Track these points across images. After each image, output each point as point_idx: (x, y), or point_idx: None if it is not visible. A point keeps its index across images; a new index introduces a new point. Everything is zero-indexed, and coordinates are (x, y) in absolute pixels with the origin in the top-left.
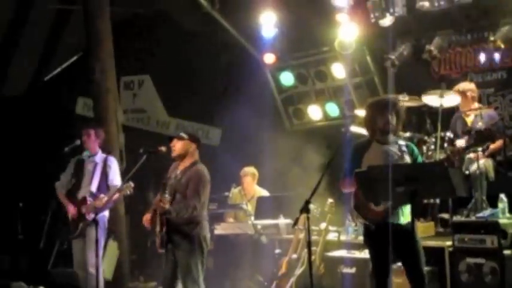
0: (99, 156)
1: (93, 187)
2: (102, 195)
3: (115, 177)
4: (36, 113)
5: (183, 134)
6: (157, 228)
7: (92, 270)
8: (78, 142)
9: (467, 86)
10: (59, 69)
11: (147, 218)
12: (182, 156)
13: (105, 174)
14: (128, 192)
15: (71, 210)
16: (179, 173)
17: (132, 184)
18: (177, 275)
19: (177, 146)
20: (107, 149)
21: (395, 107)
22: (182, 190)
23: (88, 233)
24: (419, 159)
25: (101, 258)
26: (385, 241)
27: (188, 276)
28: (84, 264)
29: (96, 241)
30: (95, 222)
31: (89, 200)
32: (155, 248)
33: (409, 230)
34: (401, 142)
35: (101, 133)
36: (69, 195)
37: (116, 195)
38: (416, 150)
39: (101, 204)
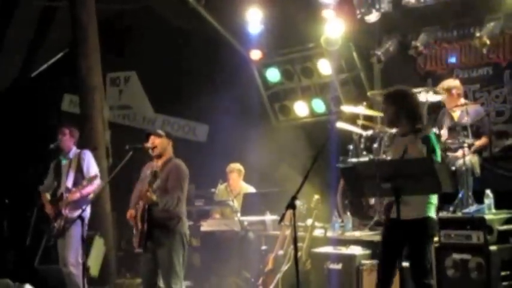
0: (73, 153)
1: (69, 183)
2: (73, 189)
3: (90, 168)
4: (21, 109)
5: (160, 131)
6: (139, 225)
7: (73, 269)
8: None
9: (452, 83)
10: (45, 66)
11: (131, 214)
12: (161, 154)
13: (80, 168)
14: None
15: (48, 210)
16: (155, 168)
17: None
18: (158, 272)
19: (157, 142)
20: (92, 146)
21: (395, 98)
22: (162, 185)
23: (70, 231)
24: (435, 151)
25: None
26: (387, 237)
27: (170, 272)
28: (66, 262)
29: (82, 238)
30: (81, 219)
31: (65, 196)
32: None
33: (416, 225)
34: (421, 135)
35: (75, 132)
36: (52, 198)
37: (92, 186)
38: (432, 142)
39: (74, 197)
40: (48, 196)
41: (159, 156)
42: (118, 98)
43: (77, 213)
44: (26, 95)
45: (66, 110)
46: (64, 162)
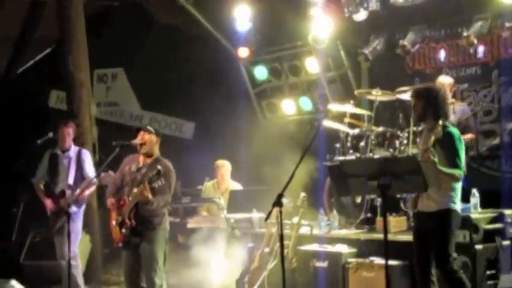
0: (73, 150)
1: (70, 180)
2: (78, 189)
3: (89, 170)
4: (8, 105)
5: (150, 128)
6: (126, 222)
7: (73, 261)
8: (50, 135)
9: (447, 79)
10: (32, 62)
11: (112, 202)
12: (150, 152)
13: (80, 167)
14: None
15: (49, 204)
16: (142, 165)
17: (111, 173)
18: (139, 270)
19: (146, 138)
20: (80, 142)
21: (424, 93)
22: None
23: (71, 226)
24: (456, 145)
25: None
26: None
27: (153, 266)
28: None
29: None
30: (78, 215)
31: (68, 192)
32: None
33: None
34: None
35: (76, 129)
36: (46, 190)
37: (92, 188)
38: (453, 136)
39: (83, 197)
40: (41, 187)
41: (147, 154)
42: (105, 94)
43: (75, 210)
44: (13, 90)
45: (53, 106)
46: (64, 158)
